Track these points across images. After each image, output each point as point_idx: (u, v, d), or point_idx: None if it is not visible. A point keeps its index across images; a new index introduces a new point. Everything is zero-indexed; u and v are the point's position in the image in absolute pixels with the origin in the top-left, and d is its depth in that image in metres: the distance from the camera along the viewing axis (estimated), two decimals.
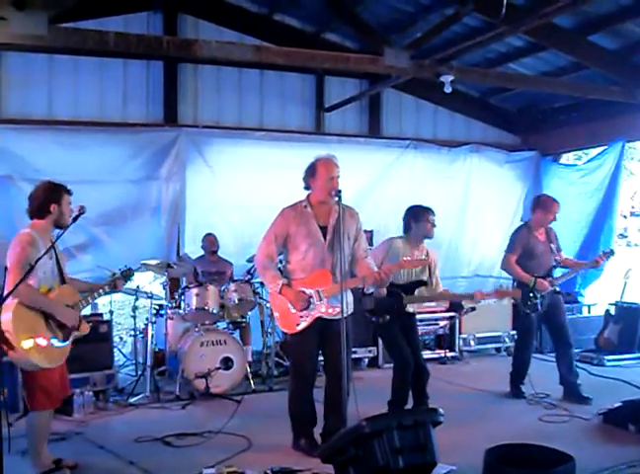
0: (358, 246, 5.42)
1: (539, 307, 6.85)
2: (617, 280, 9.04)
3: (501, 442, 4.52)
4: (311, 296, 5.20)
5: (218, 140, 9.00)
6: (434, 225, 6.27)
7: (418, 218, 6.23)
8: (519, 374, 7.14)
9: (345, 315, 5.02)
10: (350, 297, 5.37)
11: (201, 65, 9.20)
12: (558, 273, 7.28)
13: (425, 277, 6.25)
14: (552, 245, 7.07)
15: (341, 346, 4.77)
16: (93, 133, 8.34)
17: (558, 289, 7.06)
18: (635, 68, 8.42)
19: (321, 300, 5.17)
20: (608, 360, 8.61)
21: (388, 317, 6.10)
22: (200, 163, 8.90)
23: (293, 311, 5.23)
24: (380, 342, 8.36)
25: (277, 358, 8.02)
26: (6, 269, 4.56)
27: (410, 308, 6.24)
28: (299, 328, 5.24)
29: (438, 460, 4.05)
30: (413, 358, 6.13)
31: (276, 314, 5.49)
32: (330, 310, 5.20)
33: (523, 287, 6.84)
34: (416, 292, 6.18)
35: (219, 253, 8.55)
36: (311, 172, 5.29)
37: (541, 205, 7.03)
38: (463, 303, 9.00)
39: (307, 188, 5.37)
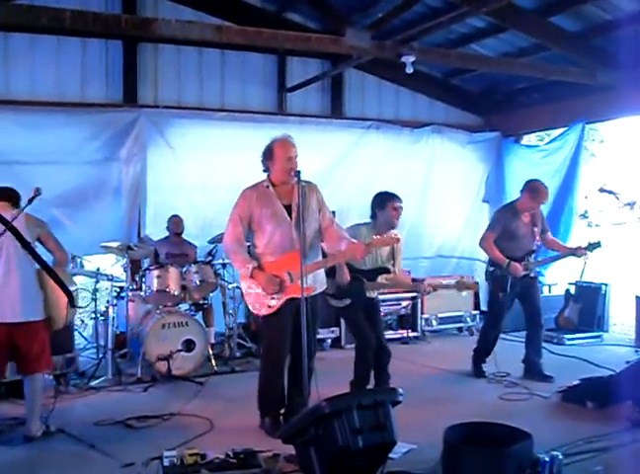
0: (322, 216, 5.39)
1: (508, 289, 6.87)
2: (577, 260, 9.13)
3: (461, 421, 4.56)
4: (283, 280, 5.16)
5: (179, 121, 8.91)
6: (398, 213, 6.15)
7: (381, 205, 6.15)
8: (482, 354, 7.19)
9: (316, 293, 5.05)
10: (321, 274, 5.38)
11: (161, 45, 9.07)
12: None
13: (390, 266, 6.26)
14: (536, 228, 7.02)
15: (309, 325, 4.78)
16: (51, 114, 8.19)
17: (533, 275, 7.06)
18: (596, 50, 8.47)
19: (292, 281, 5.13)
20: (568, 339, 8.74)
21: (348, 301, 6.10)
22: (161, 144, 8.80)
23: (264, 294, 5.20)
24: (343, 322, 8.39)
25: (239, 340, 8.02)
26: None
27: (372, 293, 6.25)
28: (270, 309, 5.21)
29: (397, 439, 4.07)
30: (375, 338, 6.16)
31: (246, 297, 5.44)
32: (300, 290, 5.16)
33: (496, 267, 6.89)
34: (378, 279, 6.19)
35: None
36: (268, 154, 5.24)
37: (530, 191, 6.94)
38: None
39: (266, 170, 5.32)
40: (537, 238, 7.07)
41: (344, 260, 5.57)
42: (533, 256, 7.03)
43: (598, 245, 7.01)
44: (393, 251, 6.30)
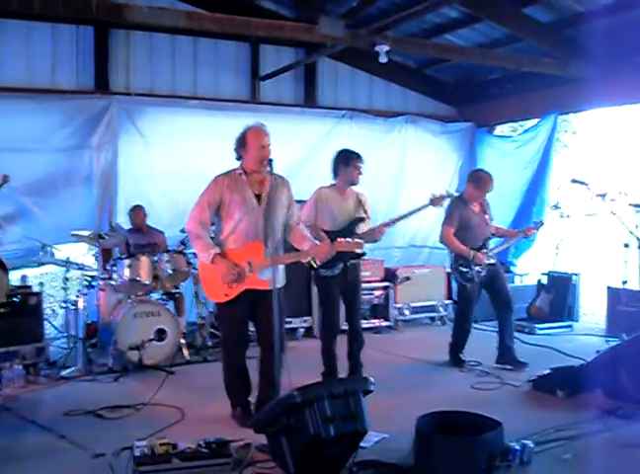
0: (291, 213, 5.41)
1: (475, 279, 6.92)
2: (549, 251, 9.21)
3: (432, 410, 4.59)
4: (242, 270, 5.14)
5: (151, 109, 8.82)
6: (360, 172, 6.30)
7: (346, 162, 6.27)
8: (458, 344, 7.22)
9: (276, 287, 5.00)
10: (281, 269, 5.33)
11: (133, 31, 8.94)
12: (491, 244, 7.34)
13: (361, 214, 6.30)
14: (487, 216, 7.12)
15: (272, 317, 4.75)
16: (20, 100, 8.05)
17: (493, 261, 7.10)
18: (568, 41, 8.51)
19: (251, 272, 5.12)
20: (540, 329, 8.81)
21: (341, 265, 6.09)
22: (133, 132, 8.70)
23: (221, 281, 5.16)
24: (315, 311, 8.40)
25: (211, 329, 7.99)
26: None
27: (358, 250, 6.10)
28: (226, 298, 5.19)
29: (368, 428, 4.08)
30: (339, 329, 6.29)
31: (203, 283, 5.46)
32: (259, 282, 5.15)
33: (460, 260, 6.92)
34: (357, 231, 6.19)
35: (151, 222, 8.40)
36: (242, 142, 5.22)
37: (474, 180, 7.06)
38: (398, 273, 9.10)
39: (239, 158, 5.29)
40: (491, 225, 7.17)
41: (305, 259, 5.55)
42: (488, 243, 7.11)
43: (541, 224, 7.30)
44: (360, 203, 6.36)
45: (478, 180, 7.04)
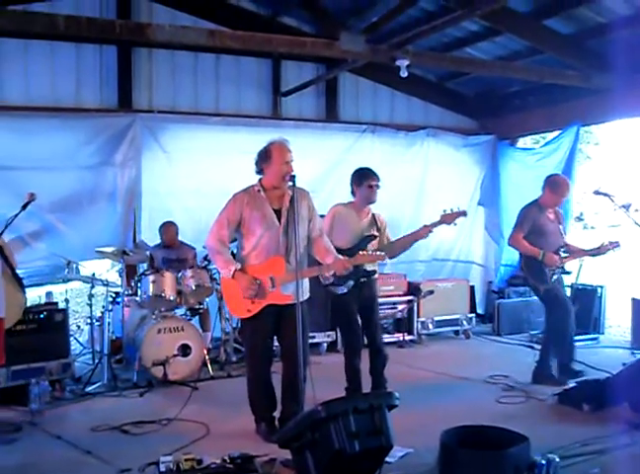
0: (313, 225, 5.41)
1: (549, 280, 6.79)
2: (573, 263, 9.14)
3: (457, 424, 4.57)
4: (263, 284, 5.16)
5: (174, 126, 8.89)
6: (376, 188, 6.25)
7: (358, 183, 6.26)
8: (566, 354, 7.06)
9: (300, 300, 5.00)
10: (305, 283, 5.35)
11: (156, 50, 9.05)
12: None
13: (373, 232, 6.25)
14: (561, 226, 7.06)
15: (296, 331, 4.76)
16: (46, 119, 8.16)
17: (568, 269, 7.02)
18: (590, 52, 8.48)
19: (273, 287, 5.15)
20: None
21: (351, 283, 6.03)
22: (156, 149, 8.78)
23: (243, 297, 5.19)
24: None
25: (235, 345, 8.01)
26: None
27: (368, 266, 6.09)
28: (249, 313, 5.22)
29: (393, 443, 4.07)
30: (362, 344, 6.23)
31: (226, 299, 5.52)
32: (282, 297, 5.18)
33: (533, 263, 6.82)
34: (369, 247, 6.10)
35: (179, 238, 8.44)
36: (265, 156, 5.24)
37: (550, 184, 6.97)
38: (421, 287, 9.07)
39: (259, 172, 5.32)
40: (564, 235, 7.08)
41: (328, 273, 5.55)
42: (562, 251, 6.98)
43: (618, 245, 7.07)
44: (375, 222, 6.32)
45: (554, 184, 6.95)
